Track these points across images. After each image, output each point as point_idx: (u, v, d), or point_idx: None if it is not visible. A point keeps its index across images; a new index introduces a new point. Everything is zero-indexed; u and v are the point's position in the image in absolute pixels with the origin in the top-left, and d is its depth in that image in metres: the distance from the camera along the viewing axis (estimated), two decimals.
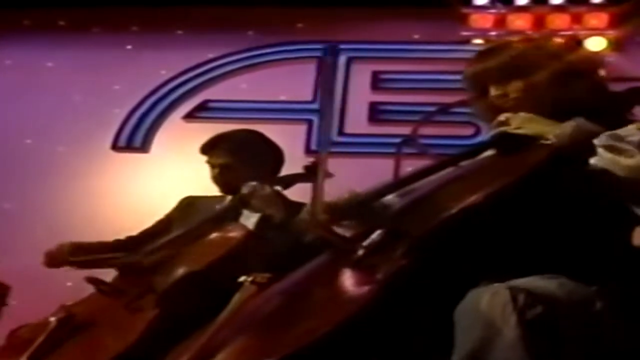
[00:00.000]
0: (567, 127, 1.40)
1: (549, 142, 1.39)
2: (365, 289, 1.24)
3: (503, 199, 1.27)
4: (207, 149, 2.60)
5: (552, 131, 1.40)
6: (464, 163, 1.56)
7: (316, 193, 1.51)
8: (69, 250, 2.49)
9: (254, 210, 2.35)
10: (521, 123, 1.47)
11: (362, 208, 1.52)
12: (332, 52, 1.80)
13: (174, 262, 2.26)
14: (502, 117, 1.50)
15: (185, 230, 2.37)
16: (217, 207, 2.48)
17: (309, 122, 4.22)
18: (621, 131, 1.37)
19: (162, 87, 4.42)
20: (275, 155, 2.61)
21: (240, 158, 2.53)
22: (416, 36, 4.38)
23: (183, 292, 2.14)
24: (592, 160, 1.33)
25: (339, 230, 1.51)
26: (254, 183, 2.33)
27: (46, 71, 4.50)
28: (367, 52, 4.40)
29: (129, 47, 4.52)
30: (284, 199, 2.39)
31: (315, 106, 4.26)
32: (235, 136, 2.62)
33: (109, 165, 4.24)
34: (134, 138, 4.32)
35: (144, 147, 4.32)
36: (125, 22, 4.53)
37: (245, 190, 2.33)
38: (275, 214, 2.30)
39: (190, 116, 4.38)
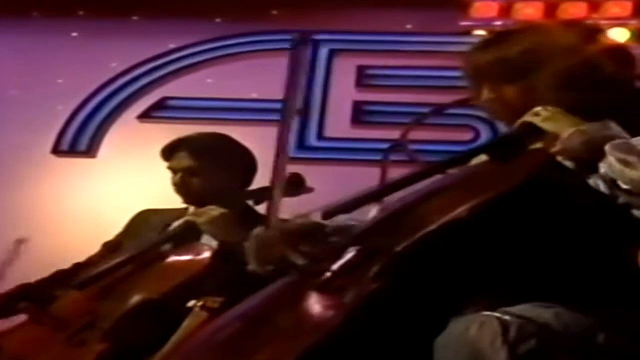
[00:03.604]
0: (578, 132, 1.40)
1: (555, 147, 1.40)
2: (330, 314, 1.25)
3: (491, 212, 1.28)
4: (169, 152, 2.60)
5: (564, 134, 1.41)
6: (453, 171, 1.57)
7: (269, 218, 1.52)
8: None
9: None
10: (550, 117, 1.47)
11: (319, 235, 1.53)
12: (303, 42, 1.83)
13: (126, 288, 2.25)
14: (536, 109, 1.50)
15: (138, 251, 2.36)
16: (177, 223, 2.47)
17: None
18: (635, 140, 1.38)
19: (114, 81, 4.42)
20: (246, 161, 2.62)
21: (206, 162, 2.54)
22: (409, 26, 4.40)
23: (136, 323, 2.13)
24: (602, 169, 1.34)
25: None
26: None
27: None
28: (352, 43, 4.41)
29: (74, 34, 4.51)
30: (241, 219, 2.38)
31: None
32: (201, 139, 2.64)
33: (48, 172, 4.22)
34: (79, 141, 4.30)
35: (91, 152, 4.31)
36: (70, 5, 4.51)
37: (190, 218, 2.36)
38: (230, 240, 2.29)
39: (146, 116, 4.38)
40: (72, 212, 4.08)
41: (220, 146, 2.62)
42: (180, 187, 2.55)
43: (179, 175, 2.56)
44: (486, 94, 1.65)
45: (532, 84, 1.58)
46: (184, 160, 2.55)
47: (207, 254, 2.26)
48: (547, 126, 1.46)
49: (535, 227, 1.31)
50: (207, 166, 2.53)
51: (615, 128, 1.41)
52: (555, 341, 1.26)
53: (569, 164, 1.40)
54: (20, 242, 2.38)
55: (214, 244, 2.35)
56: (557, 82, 1.56)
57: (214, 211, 2.37)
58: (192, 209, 2.52)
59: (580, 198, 1.32)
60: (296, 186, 2.21)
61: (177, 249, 2.33)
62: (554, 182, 1.31)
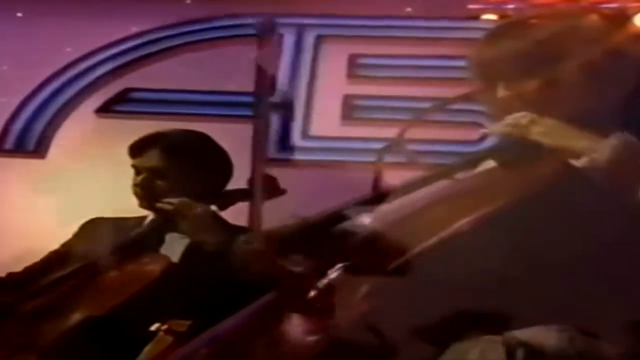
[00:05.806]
0: (608, 144, 1.42)
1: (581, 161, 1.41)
2: (313, 340, 1.26)
3: (497, 225, 1.30)
4: (138, 149, 2.63)
5: (588, 148, 1.43)
6: (458, 176, 1.59)
7: (253, 216, 1.53)
8: None
9: (182, 233, 2.39)
10: (548, 130, 1.48)
11: (316, 236, 1.54)
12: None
13: (68, 304, 2.27)
14: (522, 116, 1.51)
15: (85, 263, 2.38)
16: (133, 232, 2.49)
17: None
18: None
19: (68, 69, 4.40)
20: (222, 167, 2.65)
21: (177, 164, 2.58)
22: (408, 9, 4.41)
23: (78, 345, 2.15)
24: None
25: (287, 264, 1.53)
26: (173, 200, 2.38)
27: None
28: (343, 28, 4.42)
29: (19, 14, 4.50)
30: (221, 221, 2.43)
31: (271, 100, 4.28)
32: (176, 136, 2.68)
33: None
34: (26, 138, 4.30)
35: (39, 151, 4.30)
36: None
37: (165, 206, 2.38)
38: (208, 240, 2.33)
39: (105, 109, 4.37)
40: (18, 220, 4.07)
41: (197, 147, 2.66)
42: (143, 189, 2.57)
43: (142, 176, 2.58)
44: (501, 91, 1.67)
45: (554, 76, 1.61)
46: (153, 159, 2.59)
47: (159, 265, 2.28)
48: (548, 141, 1.46)
49: (548, 241, 1.32)
50: (177, 168, 2.58)
51: None
52: None
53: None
54: None
55: (175, 253, 2.37)
56: (583, 75, 1.59)
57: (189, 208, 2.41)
58: (151, 215, 2.54)
59: (601, 210, 1.34)
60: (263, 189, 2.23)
61: (131, 259, 2.35)
62: (570, 192, 1.33)
